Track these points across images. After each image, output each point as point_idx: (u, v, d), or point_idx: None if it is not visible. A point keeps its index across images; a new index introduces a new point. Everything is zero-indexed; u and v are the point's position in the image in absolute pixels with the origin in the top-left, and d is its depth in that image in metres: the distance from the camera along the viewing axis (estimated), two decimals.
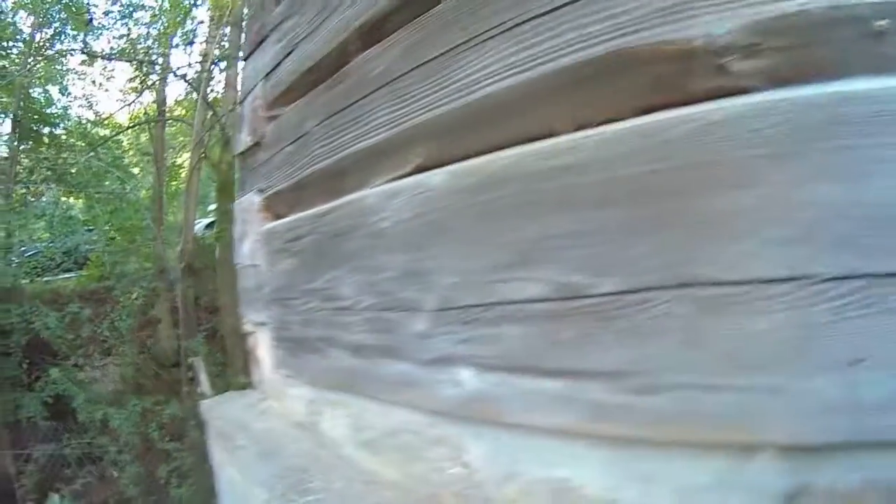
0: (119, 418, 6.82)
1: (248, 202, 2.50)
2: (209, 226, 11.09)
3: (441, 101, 1.47)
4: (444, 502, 1.51)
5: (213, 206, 11.47)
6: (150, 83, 11.27)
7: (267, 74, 2.39)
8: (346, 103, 1.84)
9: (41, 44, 11.24)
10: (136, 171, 12.31)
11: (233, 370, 7.51)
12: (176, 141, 11.43)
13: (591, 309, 1.21)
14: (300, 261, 2.07)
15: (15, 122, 10.34)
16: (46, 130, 11.20)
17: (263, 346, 2.50)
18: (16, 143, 10.76)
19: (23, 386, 8.06)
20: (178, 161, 11.63)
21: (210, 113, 8.95)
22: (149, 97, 11.75)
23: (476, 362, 1.41)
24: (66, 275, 10.38)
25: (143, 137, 13.18)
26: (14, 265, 9.97)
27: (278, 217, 2.34)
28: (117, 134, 11.41)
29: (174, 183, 10.74)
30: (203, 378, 6.71)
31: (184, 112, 11.47)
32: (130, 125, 11.41)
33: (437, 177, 1.49)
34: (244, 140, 2.57)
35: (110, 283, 8.66)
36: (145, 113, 11.32)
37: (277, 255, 2.22)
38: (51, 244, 10.15)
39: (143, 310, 7.80)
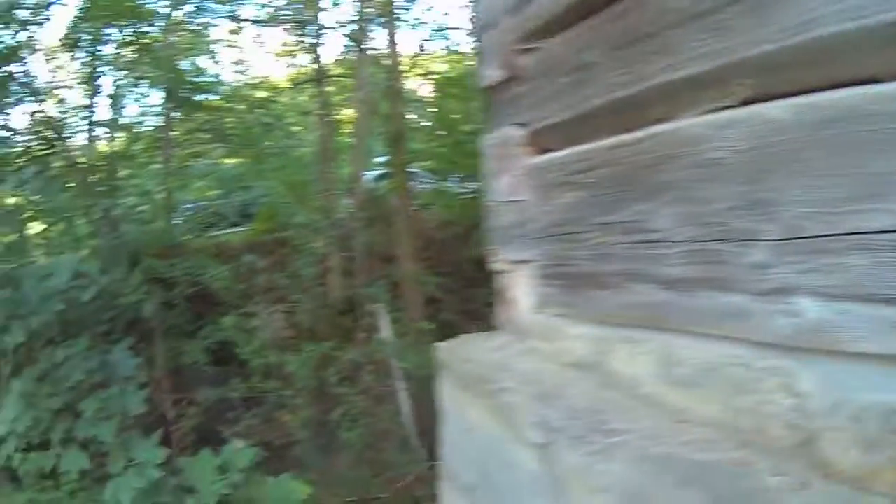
0: (295, 363, 7.17)
1: (505, 137, 2.53)
2: (378, 178, 11.43)
3: (769, 38, 1.46)
4: (771, 434, 1.48)
5: (380, 159, 11.78)
6: (304, 44, 11.67)
7: (515, 8, 2.38)
8: (644, 34, 1.80)
9: (184, 18, 11.96)
10: (296, 129, 12.89)
11: (409, 317, 7.71)
12: (336, 97, 11.79)
13: None
14: (591, 193, 2.08)
15: (167, 93, 11.01)
16: (200, 97, 11.91)
17: (522, 286, 2.53)
18: (169, 112, 11.49)
19: (186, 335, 8.61)
20: (340, 117, 12.02)
21: (374, 68, 9.16)
22: (304, 59, 12.25)
23: (818, 292, 1.41)
24: (233, 229, 11.04)
25: (301, 98, 13.74)
26: (176, 223, 10.74)
27: (545, 151, 2.35)
28: (279, 93, 11.97)
29: (339, 138, 11.11)
30: (385, 324, 6.92)
31: (343, 71, 11.80)
32: (295, 84, 11.91)
33: (776, 110, 1.46)
34: (492, 75, 2.60)
35: (279, 236, 9.12)
36: (303, 74, 11.75)
37: (555, 188, 2.24)
38: (216, 201, 10.83)
39: (320, 258, 8.14)
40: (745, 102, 1.57)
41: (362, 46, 9.68)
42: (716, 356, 1.65)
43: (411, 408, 6.80)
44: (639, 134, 1.86)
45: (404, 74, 9.83)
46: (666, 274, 1.79)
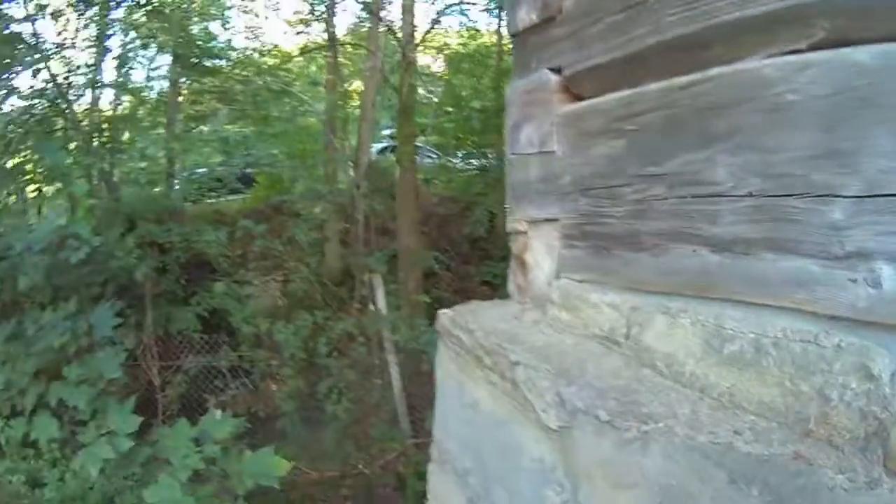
0: (286, 332, 6.93)
1: (537, 83, 2.26)
2: (383, 150, 11.15)
3: None
4: (838, 423, 1.25)
5: (387, 131, 11.52)
6: (318, 13, 11.39)
7: None
8: None
9: None
10: (305, 98, 12.68)
11: (405, 289, 7.48)
12: (346, 69, 11.51)
13: None
14: (634, 142, 1.81)
15: (175, 57, 10.79)
16: (209, 63, 11.68)
17: (542, 248, 2.30)
18: (177, 77, 11.27)
19: (179, 301, 8.39)
20: (350, 88, 11.76)
21: (388, 37, 8.88)
22: (318, 27, 11.94)
23: None
24: (232, 196, 10.78)
25: (312, 67, 13.44)
26: (176, 188, 10.52)
27: (579, 98, 2.10)
28: (289, 60, 11.70)
29: (347, 109, 10.86)
30: (380, 295, 6.67)
31: (356, 41, 11.52)
32: (306, 51, 11.61)
33: (862, 54, 1.26)
34: (525, 18, 2.32)
35: (278, 203, 8.87)
36: (316, 43, 11.46)
37: (591, 138, 1.99)
38: (219, 167, 10.59)
39: (318, 227, 7.88)
40: (824, 46, 1.35)
41: (377, 16, 9.40)
42: (776, 330, 1.41)
43: (401, 383, 6.59)
44: (696, 76, 1.60)
45: (417, 47, 9.57)
46: (720, 233, 1.55)
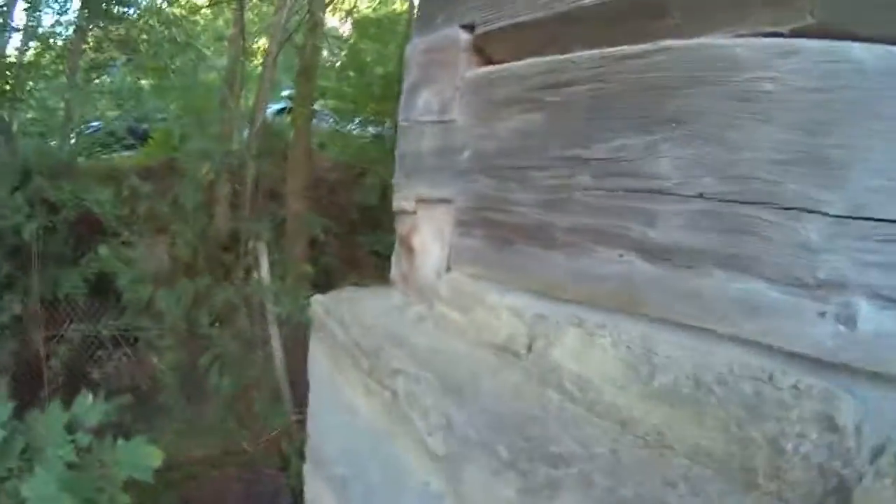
0: (168, 299, 6.12)
1: (442, 40, 1.72)
2: (280, 112, 10.23)
3: None
4: (791, 477, 0.93)
5: (286, 93, 10.66)
6: None
7: None
8: None
9: None
10: (208, 53, 11.60)
11: (291, 258, 6.81)
12: (254, 24, 10.48)
13: None
14: (556, 118, 1.34)
15: (83, 1, 9.65)
16: (118, 10, 10.54)
17: (430, 233, 1.80)
18: (84, 23, 10.12)
19: (67, 263, 7.44)
20: (255, 45, 10.73)
21: None
22: None
23: (880, 293, 0.94)
24: (128, 152, 9.70)
25: (220, 21, 12.20)
26: (71, 142, 9.40)
27: (489, 61, 1.61)
28: (197, 12, 10.57)
29: (248, 67, 9.93)
30: (264, 263, 5.99)
31: None
32: (213, 2, 10.48)
33: (859, 51, 0.97)
34: None
35: (172, 162, 7.96)
36: None
37: (503, 108, 1.48)
38: (115, 120, 9.52)
39: (206, 189, 7.05)
40: (810, 34, 1.02)
41: None
42: (721, 363, 1.03)
43: (283, 357, 6.01)
44: (644, 46, 1.18)
45: (327, 6, 8.79)
46: (656, 238, 1.14)
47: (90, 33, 10.63)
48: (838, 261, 0.96)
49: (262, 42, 9.99)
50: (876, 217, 0.95)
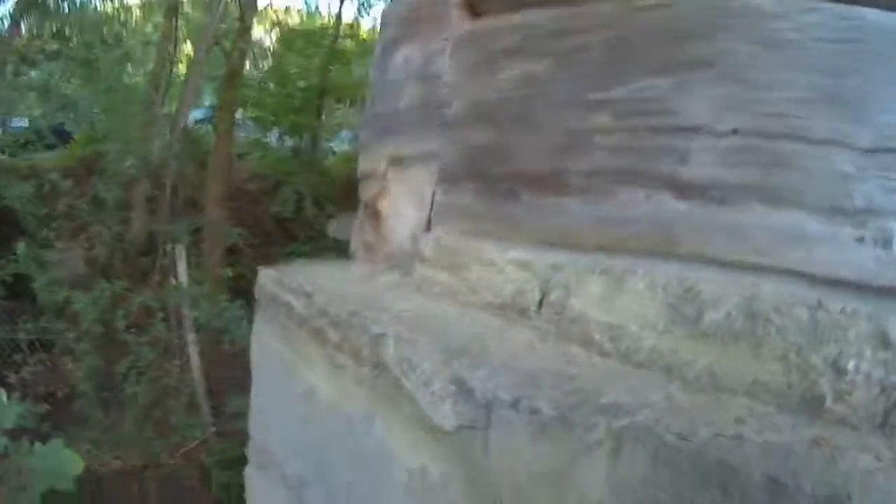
0: (84, 302, 5.45)
1: None
2: (201, 120, 9.54)
3: None
4: (854, 399, 0.84)
5: (209, 101, 10.05)
6: None
7: None
8: None
9: None
10: (137, 57, 10.80)
11: (208, 262, 6.26)
12: (184, 28, 9.76)
13: None
14: (567, 63, 1.18)
15: None
16: (53, 4, 9.69)
17: (404, 194, 1.55)
18: (19, 16, 9.24)
19: None
20: (182, 51, 10.02)
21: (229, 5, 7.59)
22: None
23: None
24: (50, 153, 8.80)
25: (149, 27, 11.34)
26: None
27: (477, 15, 1.41)
28: (129, 13, 9.84)
29: (174, 71, 9.26)
30: (182, 268, 5.43)
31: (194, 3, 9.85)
32: (145, 5, 9.73)
33: (874, 14, 1.00)
34: None
35: (93, 163, 7.23)
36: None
37: (505, 57, 1.29)
38: (39, 117, 8.65)
39: (126, 189, 6.41)
40: None
41: None
42: (773, 294, 0.90)
43: (200, 364, 5.47)
44: None
45: (255, 18, 8.34)
46: (690, 176, 1.00)
47: (23, 26, 9.71)
48: (871, 189, 0.92)
49: (189, 47, 9.42)
50: None
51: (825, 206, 0.93)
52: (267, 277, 1.65)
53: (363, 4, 9.99)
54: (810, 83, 0.97)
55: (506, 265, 1.19)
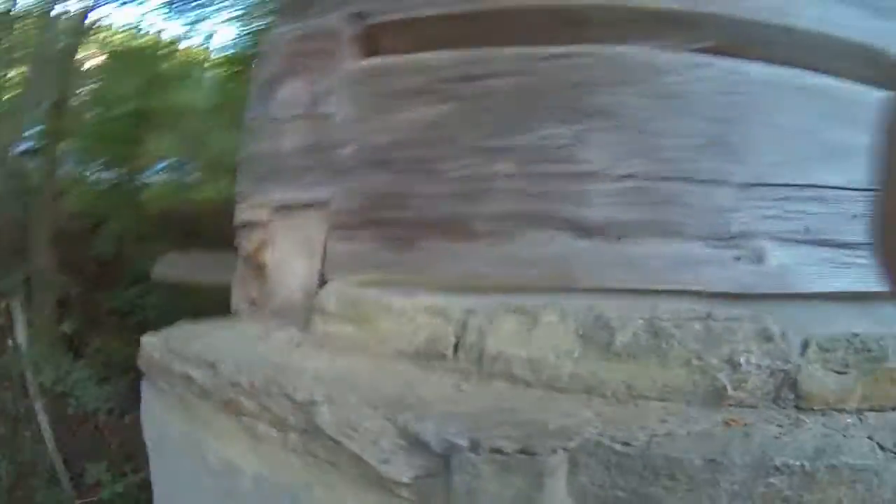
0: None
1: (318, 29, 1.47)
2: (23, 152, 8.21)
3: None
4: (749, 386, 1.04)
5: (30, 131, 8.72)
6: None
7: None
8: None
9: None
10: None
11: (41, 317, 5.44)
12: (17, 52, 8.34)
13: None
14: (471, 109, 1.24)
15: None
16: None
17: (291, 245, 1.47)
18: None
19: None
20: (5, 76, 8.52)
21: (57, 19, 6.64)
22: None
23: (779, 237, 1.19)
24: None
25: None
26: None
27: (374, 52, 1.42)
28: None
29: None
30: (20, 327, 4.69)
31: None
32: None
33: (755, 69, 1.22)
34: None
35: None
36: None
37: (403, 99, 1.30)
38: None
39: None
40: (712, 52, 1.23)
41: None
42: (671, 312, 1.07)
43: (53, 433, 4.80)
44: (570, 48, 1.21)
45: (83, 40, 7.39)
46: (589, 217, 1.14)
47: None
48: (746, 217, 1.16)
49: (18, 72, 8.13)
50: (771, 183, 1.19)
51: (708, 234, 1.14)
52: (152, 346, 1.46)
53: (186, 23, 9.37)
54: (698, 130, 1.16)
55: (417, 313, 1.18)
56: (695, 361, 1.03)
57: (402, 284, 1.24)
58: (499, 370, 1.09)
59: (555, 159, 1.15)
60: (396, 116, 1.27)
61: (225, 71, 9.40)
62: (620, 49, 1.19)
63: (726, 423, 0.95)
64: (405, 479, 0.91)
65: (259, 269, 1.52)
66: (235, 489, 1.18)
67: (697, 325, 1.04)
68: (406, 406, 0.99)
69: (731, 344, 1.02)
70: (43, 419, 4.69)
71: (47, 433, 4.60)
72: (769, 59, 1.21)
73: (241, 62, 9.01)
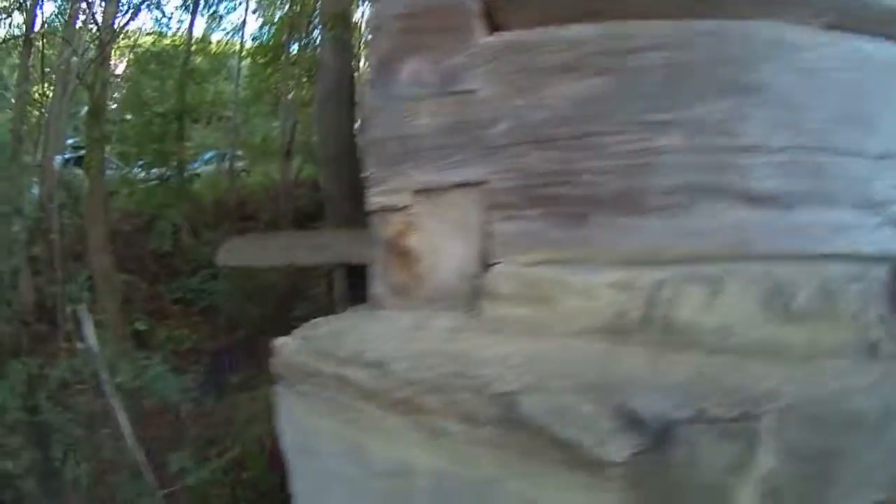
0: (2, 391, 4.71)
1: (442, 5, 1.43)
2: (66, 162, 8.44)
3: None
4: None
5: (70, 140, 8.98)
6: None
7: None
8: None
9: None
10: None
11: (105, 317, 5.64)
12: (37, 70, 8.55)
13: None
14: (628, 83, 1.26)
15: None
16: None
17: (441, 227, 1.47)
18: None
19: None
20: (43, 90, 8.77)
21: (85, 30, 6.78)
22: (19, 18, 8.43)
23: None
24: None
25: (4, 69, 9.76)
26: None
27: (497, 28, 1.39)
28: None
29: (36, 114, 8.16)
30: (89, 330, 4.84)
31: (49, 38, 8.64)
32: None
33: (873, 46, 1.27)
34: None
35: None
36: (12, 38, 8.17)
37: (550, 75, 1.31)
38: None
39: (11, 254, 5.63)
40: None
41: (75, 10, 7.11)
42: (834, 277, 1.17)
43: (132, 429, 4.98)
44: (719, 23, 1.28)
45: (111, 46, 7.50)
46: (755, 188, 1.21)
47: None
48: (882, 186, 1.24)
49: (49, 86, 8.32)
50: None
51: (855, 202, 1.23)
52: (289, 348, 1.42)
53: (213, 17, 9.44)
54: (833, 104, 1.24)
55: (601, 289, 1.22)
56: (857, 320, 1.13)
57: (577, 262, 1.28)
58: (688, 340, 1.15)
59: (719, 132, 1.20)
60: (546, 92, 1.29)
61: (259, 59, 9.44)
62: (755, 24, 1.25)
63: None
64: (620, 459, 0.94)
65: (403, 255, 1.52)
66: (407, 489, 1.19)
67: (855, 287, 1.14)
68: (612, 385, 1.03)
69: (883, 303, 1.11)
70: (122, 417, 4.83)
71: (127, 430, 4.75)
72: (889, 36, 1.27)
73: (272, 50, 9.04)
